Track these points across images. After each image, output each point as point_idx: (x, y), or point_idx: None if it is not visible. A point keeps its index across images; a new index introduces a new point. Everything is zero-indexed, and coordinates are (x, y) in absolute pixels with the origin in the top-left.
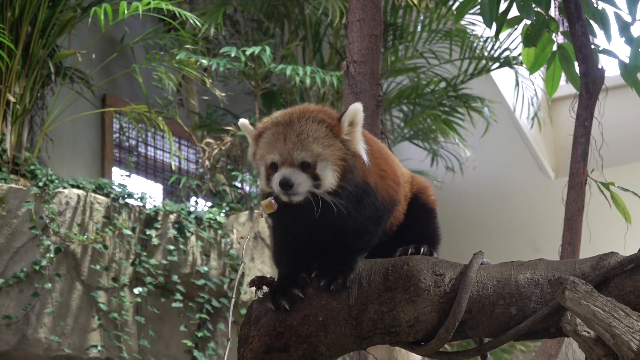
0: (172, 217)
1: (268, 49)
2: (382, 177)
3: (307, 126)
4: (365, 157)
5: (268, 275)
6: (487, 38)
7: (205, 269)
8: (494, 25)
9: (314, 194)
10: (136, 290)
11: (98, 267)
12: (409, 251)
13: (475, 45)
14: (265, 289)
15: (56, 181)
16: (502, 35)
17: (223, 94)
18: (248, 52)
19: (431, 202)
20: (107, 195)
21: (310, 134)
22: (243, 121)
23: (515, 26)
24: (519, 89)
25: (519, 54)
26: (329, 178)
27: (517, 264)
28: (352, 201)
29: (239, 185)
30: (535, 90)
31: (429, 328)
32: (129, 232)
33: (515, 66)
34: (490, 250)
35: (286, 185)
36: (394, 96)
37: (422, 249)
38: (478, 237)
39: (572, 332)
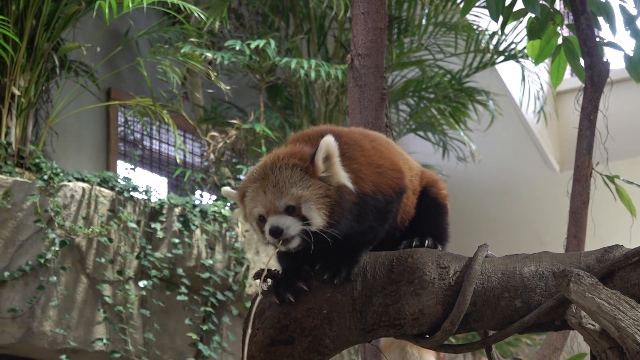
0: (177, 210)
1: (273, 43)
2: (379, 174)
3: (281, 175)
4: (350, 185)
5: (273, 269)
6: (493, 32)
7: (210, 262)
8: (500, 19)
9: (308, 232)
10: (141, 284)
11: (103, 260)
12: (414, 244)
13: (480, 38)
14: (269, 282)
15: (61, 174)
16: (507, 29)
17: (228, 88)
18: (253, 46)
19: (442, 197)
20: (112, 188)
21: (287, 180)
22: (226, 189)
23: (521, 19)
24: (525, 83)
25: (524, 48)
26: (317, 217)
27: (521, 257)
28: (352, 220)
29: (244, 178)
30: (540, 84)
31: (434, 321)
32: (134, 225)
33: (521, 60)
34: (495, 243)
35: (276, 232)
36: (399, 89)
37: (427, 241)
38: (483, 230)
39: (576, 324)
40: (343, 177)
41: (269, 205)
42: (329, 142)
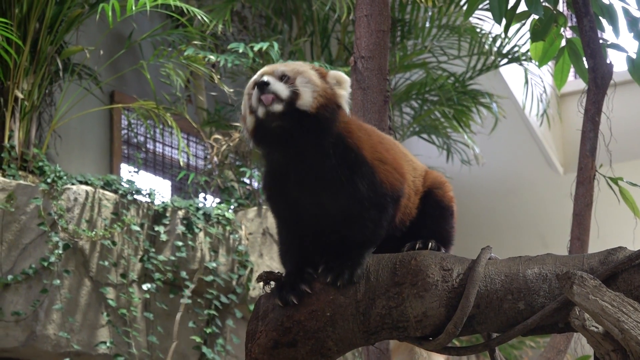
0: (181, 213)
1: (276, 45)
2: (381, 161)
3: (296, 62)
4: (347, 110)
5: (276, 271)
6: (496, 34)
7: (214, 265)
8: (503, 21)
9: (292, 108)
10: (145, 287)
11: (107, 263)
12: (417, 246)
13: (483, 41)
14: (272, 284)
15: (64, 177)
16: (510, 31)
17: (231, 90)
18: (256, 48)
19: (447, 199)
20: (115, 191)
21: (298, 64)
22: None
23: (524, 21)
24: (528, 86)
25: (527, 50)
26: (307, 94)
27: (525, 259)
28: (340, 159)
29: (247, 181)
30: (544, 87)
31: (437, 323)
32: (137, 228)
33: (524, 62)
34: (499, 245)
35: (262, 84)
36: (403, 92)
37: (430, 244)
38: (486, 232)
39: (580, 327)
40: (344, 99)
41: (267, 70)
42: (344, 74)
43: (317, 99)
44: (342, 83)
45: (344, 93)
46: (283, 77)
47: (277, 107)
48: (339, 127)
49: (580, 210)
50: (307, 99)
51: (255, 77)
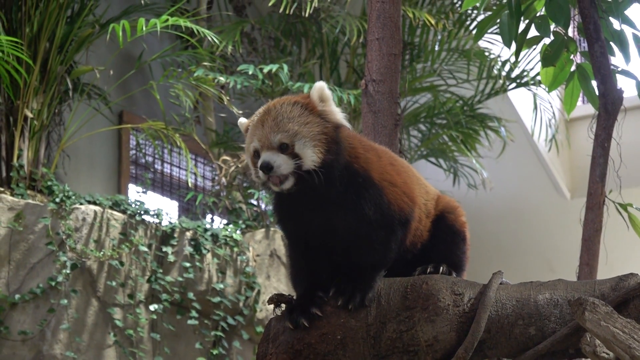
0: (189, 234)
1: (285, 67)
2: (390, 183)
3: (282, 109)
4: (347, 124)
5: (286, 294)
6: (505, 58)
7: (221, 286)
8: (513, 45)
9: (300, 174)
10: (152, 307)
11: (114, 283)
12: (428, 270)
13: (492, 65)
14: (283, 306)
15: (73, 197)
16: (519, 56)
17: (240, 112)
18: (265, 70)
19: (459, 224)
20: (123, 211)
21: (285, 115)
22: (240, 120)
23: (534, 46)
24: (537, 110)
25: (536, 74)
26: (310, 154)
27: (536, 284)
28: (348, 184)
29: (255, 202)
30: (552, 112)
31: (448, 347)
32: (145, 248)
33: (533, 87)
34: (506, 270)
35: (267, 167)
36: (411, 115)
37: (441, 268)
38: (493, 256)
39: (591, 353)
40: (340, 116)
41: (264, 140)
42: (321, 85)
43: (319, 150)
44: (326, 100)
45: (335, 109)
46: (282, 147)
47: (289, 184)
48: (345, 154)
49: (589, 236)
50: (310, 160)
51: (254, 144)
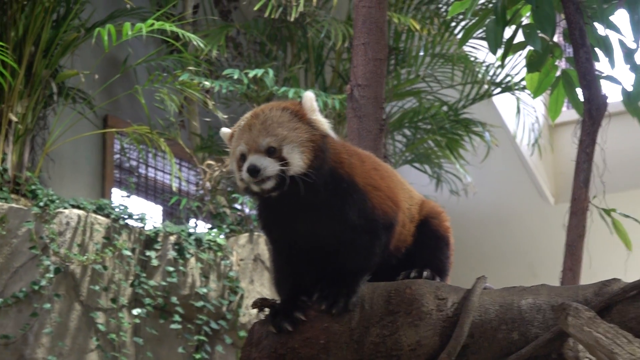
0: (172, 238)
1: (271, 72)
2: (374, 187)
3: (271, 114)
4: (332, 134)
5: (270, 298)
6: (489, 63)
7: (205, 290)
8: (499, 51)
9: (284, 177)
10: (135, 312)
11: (97, 287)
12: (412, 275)
13: (477, 70)
14: (267, 311)
15: (57, 201)
16: (504, 61)
17: (225, 116)
18: (251, 75)
19: (443, 229)
20: (107, 216)
21: (275, 119)
22: (223, 130)
23: (520, 52)
24: (521, 115)
25: (521, 80)
26: (297, 160)
27: (519, 289)
28: (332, 190)
29: (239, 207)
30: (536, 117)
31: (431, 352)
32: (128, 252)
33: (517, 92)
34: (489, 275)
35: (254, 171)
36: (396, 120)
37: (425, 273)
38: (476, 261)
39: (574, 358)
40: (327, 126)
41: (252, 143)
42: (311, 95)
43: (306, 156)
44: (315, 110)
45: (322, 119)
46: (269, 150)
47: (270, 184)
48: (330, 160)
49: (572, 241)
50: (297, 165)
51: (241, 147)
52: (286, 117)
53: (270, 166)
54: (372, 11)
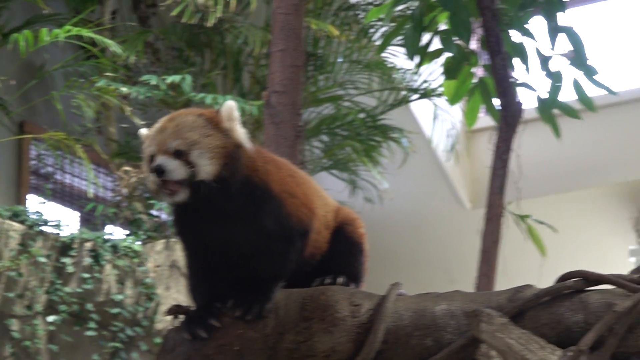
0: (88, 245)
1: (188, 78)
2: (289, 194)
3: (185, 119)
4: (249, 145)
5: (184, 304)
6: (407, 69)
7: (120, 297)
8: (416, 58)
9: (194, 182)
10: (50, 318)
11: (12, 294)
12: (326, 281)
13: (395, 76)
14: (181, 317)
15: None
16: (422, 67)
17: (142, 122)
18: (168, 81)
19: (357, 236)
20: (22, 222)
21: (188, 124)
22: (142, 131)
23: (436, 59)
24: (437, 121)
25: (438, 86)
26: (206, 166)
27: (433, 295)
28: (247, 197)
29: (156, 213)
30: (453, 123)
31: (345, 358)
32: (44, 259)
33: (434, 98)
34: (406, 281)
35: (158, 170)
36: (314, 126)
37: (339, 279)
38: (393, 267)
39: None
40: (243, 137)
41: (160, 145)
42: (231, 104)
43: (216, 162)
44: (234, 119)
45: (240, 129)
46: (177, 153)
47: (181, 196)
48: (243, 168)
49: (487, 247)
50: (206, 171)
51: (150, 148)
52: (200, 123)
53: (177, 170)
54: (290, 18)
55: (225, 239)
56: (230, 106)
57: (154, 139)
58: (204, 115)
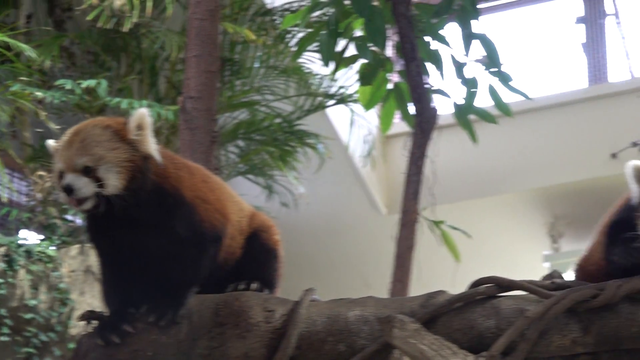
0: (2, 249)
1: (104, 82)
2: (202, 200)
3: (92, 132)
4: (157, 156)
5: (98, 310)
6: (324, 75)
7: (34, 302)
8: (332, 64)
9: (102, 196)
10: None
11: None
12: (240, 287)
13: (311, 82)
14: (95, 323)
15: None
16: (338, 73)
17: (57, 127)
18: (84, 85)
19: (272, 242)
20: None
21: (94, 138)
22: (49, 143)
23: (352, 65)
24: (353, 127)
25: (355, 92)
26: (112, 180)
27: (347, 301)
28: (158, 205)
29: (70, 218)
30: (370, 129)
31: None
32: None
33: (350, 104)
34: (322, 286)
35: (68, 190)
36: (230, 131)
37: (253, 285)
38: (310, 272)
39: None
40: (153, 147)
41: (69, 162)
42: (143, 113)
43: (123, 176)
44: (144, 128)
45: (149, 139)
46: (85, 170)
47: (88, 205)
48: (154, 177)
49: (402, 253)
50: (113, 185)
51: (59, 165)
52: (107, 136)
53: (85, 187)
54: (205, 24)
55: (138, 245)
56: (140, 115)
57: (61, 155)
58: (111, 127)
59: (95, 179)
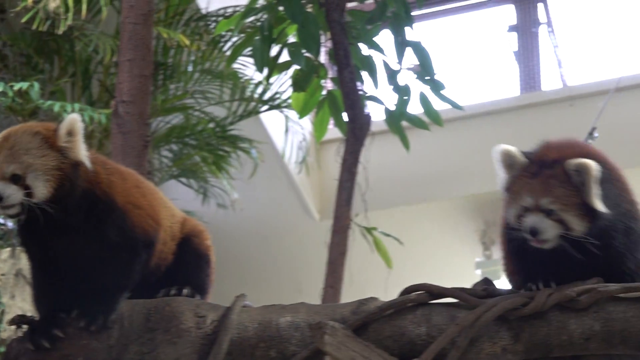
0: None
1: (37, 85)
2: (134, 205)
3: (21, 138)
4: (88, 163)
5: (29, 314)
6: (258, 81)
7: None
8: (265, 70)
9: (30, 205)
10: None
11: None
12: (172, 292)
13: (245, 87)
14: (25, 327)
15: None
16: (272, 79)
17: None
18: (16, 88)
19: (204, 248)
20: None
21: (23, 145)
22: None
23: (286, 71)
24: (288, 133)
25: (289, 98)
26: (40, 188)
27: (278, 307)
28: (89, 210)
29: (1, 221)
30: (303, 134)
31: None
32: None
33: (285, 110)
34: (256, 291)
35: None
36: (163, 135)
37: (185, 290)
38: (242, 278)
39: None
40: (83, 154)
41: None
42: (74, 118)
43: (51, 184)
44: (75, 134)
45: (80, 145)
46: (14, 178)
47: (14, 211)
48: (84, 182)
49: (334, 259)
50: (40, 193)
51: None
52: (36, 143)
53: (14, 194)
54: (138, 28)
55: (69, 250)
56: (71, 120)
57: None
58: (40, 133)
59: (24, 186)
